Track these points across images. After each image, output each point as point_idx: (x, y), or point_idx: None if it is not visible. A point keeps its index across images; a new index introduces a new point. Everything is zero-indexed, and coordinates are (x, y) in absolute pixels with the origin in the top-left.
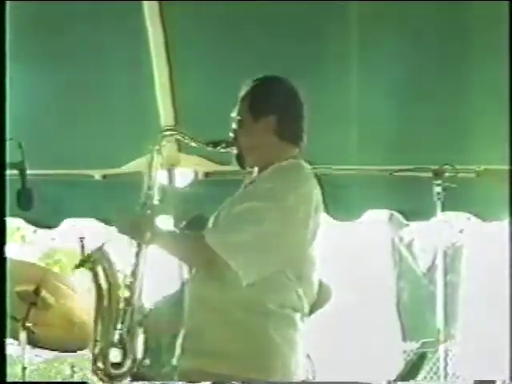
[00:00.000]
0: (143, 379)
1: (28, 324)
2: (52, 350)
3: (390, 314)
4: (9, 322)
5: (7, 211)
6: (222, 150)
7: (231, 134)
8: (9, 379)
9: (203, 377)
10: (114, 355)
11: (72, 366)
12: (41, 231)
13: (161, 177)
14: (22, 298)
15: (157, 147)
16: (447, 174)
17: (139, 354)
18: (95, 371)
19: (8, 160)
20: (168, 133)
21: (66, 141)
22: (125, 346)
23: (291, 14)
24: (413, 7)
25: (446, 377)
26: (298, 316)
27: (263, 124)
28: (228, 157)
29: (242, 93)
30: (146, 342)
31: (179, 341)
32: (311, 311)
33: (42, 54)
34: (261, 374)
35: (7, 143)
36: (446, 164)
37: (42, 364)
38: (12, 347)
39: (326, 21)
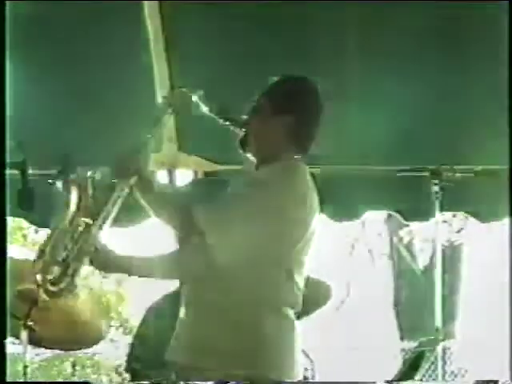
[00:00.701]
0: (141, 377)
1: (29, 323)
2: (53, 349)
3: (388, 313)
4: (10, 320)
5: (9, 211)
6: (231, 128)
7: (244, 116)
8: (10, 378)
9: (201, 375)
10: (55, 272)
11: (73, 365)
12: (42, 231)
13: (161, 176)
14: (24, 296)
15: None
16: (445, 174)
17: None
18: (35, 283)
19: (9, 160)
20: (183, 89)
21: (67, 140)
22: (67, 265)
23: (291, 13)
24: (413, 10)
25: (444, 375)
26: (293, 313)
27: (280, 121)
28: (227, 156)
29: (272, 84)
30: (144, 339)
31: (177, 338)
32: (312, 310)
33: (42, 54)
34: (258, 371)
35: (7, 143)
36: (444, 164)
37: (42, 362)
38: (13, 346)
39: (326, 21)
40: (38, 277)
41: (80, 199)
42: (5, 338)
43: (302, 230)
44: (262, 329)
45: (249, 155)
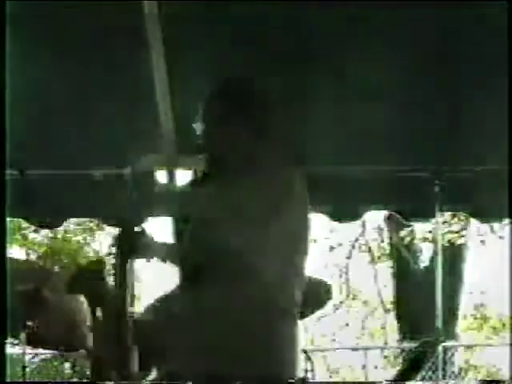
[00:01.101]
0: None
1: (28, 323)
2: (53, 350)
3: (388, 314)
4: (9, 321)
5: (8, 211)
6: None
7: (202, 139)
8: (9, 379)
9: (213, 378)
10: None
11: (72, 366)
12: (42, 231)
13: (161, 177)
14: (23, 297)
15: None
16: (446, 175)
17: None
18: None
19: (9, 160)
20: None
21: (66, 141)
22: (128, 362)
23: (293, 16)
24: (413, 12)
25: (444, 376)
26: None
27: (239, 125)
28: None
29: (216, 93)
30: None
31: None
32: (312, 310)
33: (42, 54)
34: (269, 371)
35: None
36: (445, 164)
37: (41, 363)
38: (12, 347)
39: (326, 22)
40: None
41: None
42: (5, 338)
43: (309, 229)
44: (274, 328)
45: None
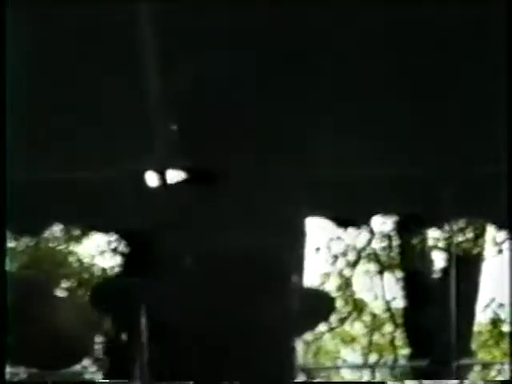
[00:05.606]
0: None
1: (10, 338)
2: (35, 368)
3: (397, 328)
4: None
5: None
6: None
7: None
8: None
9: None
10: None
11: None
12: (23, 239)
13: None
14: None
15: None
16: (460, 179)
17: None
18: None
19: None
20: None
21: (60, 142)
22: None
23: (295, 19)
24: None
25: None
26: None
27: None
28: None
29: None
30: None
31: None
32: (315, 323)
33: (40, 53)
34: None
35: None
36: (459, 168)
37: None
38: None
39: (327, 30)
40: None
41: None
42: (5, 337)
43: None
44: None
45: None
